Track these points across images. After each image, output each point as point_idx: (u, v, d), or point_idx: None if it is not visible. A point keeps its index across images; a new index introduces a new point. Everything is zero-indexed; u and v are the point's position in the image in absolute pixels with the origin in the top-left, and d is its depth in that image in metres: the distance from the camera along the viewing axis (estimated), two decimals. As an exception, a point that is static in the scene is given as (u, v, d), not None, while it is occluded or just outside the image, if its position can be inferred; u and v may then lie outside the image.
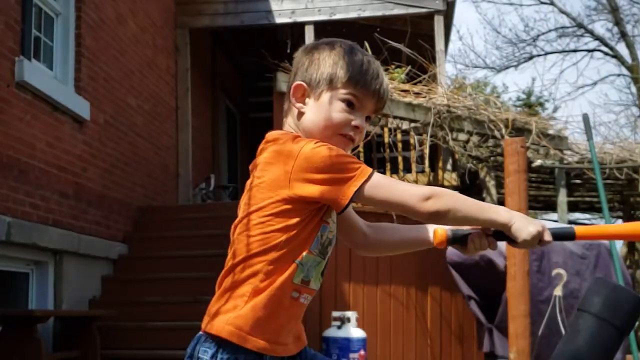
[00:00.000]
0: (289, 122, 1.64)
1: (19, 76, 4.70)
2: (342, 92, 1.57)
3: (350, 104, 1.57)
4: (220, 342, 1.49)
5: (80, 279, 5.51)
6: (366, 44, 7.19)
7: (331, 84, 1.58)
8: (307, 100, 1.60)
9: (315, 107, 1.58)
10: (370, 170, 1.50)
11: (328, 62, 1.59)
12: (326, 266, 1.63)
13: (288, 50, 8.40)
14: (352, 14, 8.41)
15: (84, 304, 5.55)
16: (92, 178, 5.76)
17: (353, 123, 1.57)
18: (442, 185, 7.41)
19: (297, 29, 8.54)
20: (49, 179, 5.08)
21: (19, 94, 4.75)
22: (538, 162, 6.58)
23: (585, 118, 3.83)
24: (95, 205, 5.79)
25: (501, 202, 7.80)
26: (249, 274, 1.51)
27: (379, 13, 8.40)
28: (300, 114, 1.60)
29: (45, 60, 5.46)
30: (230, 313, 1.50)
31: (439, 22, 8.27)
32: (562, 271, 4.56)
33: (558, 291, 4.49)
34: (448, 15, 8.62)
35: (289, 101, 1.63)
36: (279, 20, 8.35)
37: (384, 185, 1.49)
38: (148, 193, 6.95)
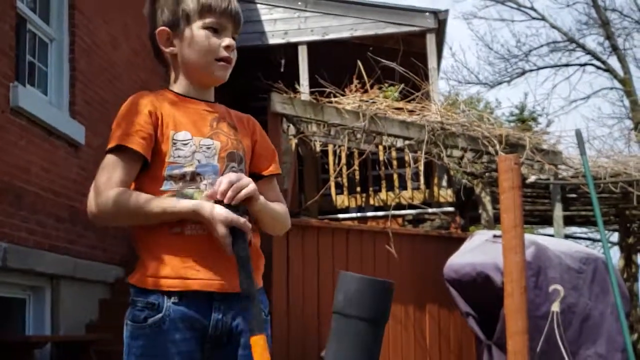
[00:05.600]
0: (172, 76, 1.78)
1: (14, 102, 4.72)
2: (201, 23, 1.70)
3: (213, 30, 1.72)
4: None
5: (77, 303, 5.49)
6: (359, 63, 7.26)
7: (189, 18, 1.71)
8: (174, 42, 1.73)
9: (185, 45, 1.72)
10: (114, 146, 1.63)
11: (176, 3, 1.73)
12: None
13: (282, 70, 8.46)
14: (345, 34, 8.48)
15: (81, 328, 5.52)
16: (88, 202, 5.76)
17: (223, 44, 1.71)
18: (438, 202, 7.42)
19: (290, 49, 8.60)
20: (45, 203, 5.08)
21: (13, 120, 4.76)
22: (532, 178, 6.60)
23: (578, 133, 3.85)
24: (91, 229, 5.79)
25: (497, 217, 7.81)
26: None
27: (371, 32, 8.48)
28: (175, 56, 1.74)
29: (39, 85, 5.48)
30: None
31: (431, 40, 8.35)
32: (559, 287, 4.56)
33: (555, 307, 4.49)
34: (440, 33, 8.70)
35: (161, 53, 1.76)
36: (272, 41, 8.42)
37: (100, 169, 1.65)
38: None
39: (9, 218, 4.61)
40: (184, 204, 1.60)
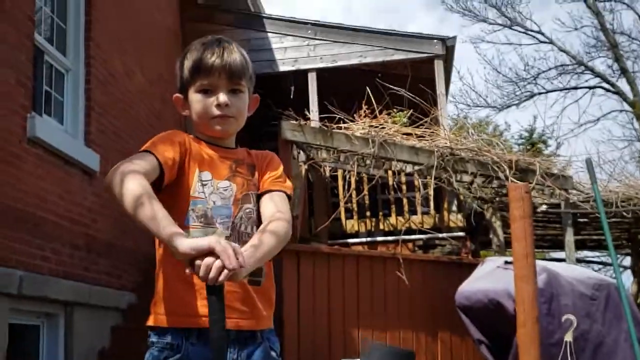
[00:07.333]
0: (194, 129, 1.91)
1: (31, 132, 4.79)
2: (193, 88, 1.82)
3: (204, 92, 1.81)
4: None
5: (91, 329, 5.52)
6: (368, 89, 7.34)
7: (187, 86, 1.83)
8: (186, 105, 1.86)
9: (190, 108, 1.85)
10: (141, 150, 1.72)
11: (178, 70, 1.87)
12: (239, 231, 1.76)
13: (291, 97, 8.55)
14: (354, 61, 8.57)
15: (93, 355, 5.54)
16: (102, 229, 5.82)
17: (215, 103, 1.79)
18: (448, 227, 7.44)
19: (300, 76, 8.69)
20: (60, 231, 5.14)
21: (30, 149, 4.83)
22: (543, 208, 6.62)
23: (589, 162, 3.89)
24: (106, 256, 5.84)
25: (508, 242, 7.81)
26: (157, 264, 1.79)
27: (380, 59, 8.56)
28: (189, 118, 1.88)
29: (55, 114, 5.57)
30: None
31: (439, 66, 8.42)
32: (572, 317, 4.56)
33: (569, 337, 4.49)
34: (448, 59, 8.77)
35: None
36: (282, 68, 8.52)
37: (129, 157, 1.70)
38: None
39: (26, 246, 4.67)
40: (169, 234, 1.53)
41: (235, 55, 1.81)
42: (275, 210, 1.76)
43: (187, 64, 1.82)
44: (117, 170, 1.62)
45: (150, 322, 1.76)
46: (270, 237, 1.65)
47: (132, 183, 1.57)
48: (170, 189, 1.73)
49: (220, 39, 1.84)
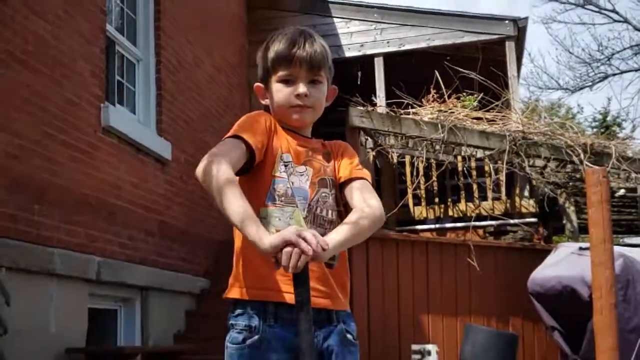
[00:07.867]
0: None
1: (105, 121, 4.94)
2: (275, 78, 1.85)
3: (284, 82, 1.84)
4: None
5: (166, 314, 5.67)
6: (436, 73, 7.21)
7: (268, 75, 1.87)
8: (267, 94, 1.90)
9: (270, 97, 1.89)
10: (232, 135, 1.74)
11: (260, 60, 1.91)
12: (315, 214, 1.80)
13: (358, 82, 8.50)
14: (422, 44, 8.44)
15: (168, 339, 5.70)
16: (176, 216, 5.96)
17: (295, 93, 1.83)
18: (520, 213, 7.28)
19: (366, 61, 8.63)
20: (135, 218, 5.29)
21: (105, 139, 4.99)
22: (621, 192, 6.38)
23: (669, 144, 3.73)
24: (179, 242, 5.98)
25: (582, 227, 7.57)
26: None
27: (449, 42, 8.41)
28: (269, 107, 1.92)
29: (128, 104, 5.72)
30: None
31: (510, 48, 8.20)
32: (651, 304, 4.40)
33: (648, 324, 4.33)
34: (519, 41, 8.54)
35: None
36: (348, 54, 8.47)
37: (219, 144, 1.74)
38: (228, 228, 7.09)
39: (103, 233, 4.83)
40: (254, 235, 1.58)
41: (316, 46, 1.84)
42: (365, 204, 1.80)
43: (269, 54, 1.85)
44: (209, 171, 1.63)
45: (230, 295, 1.80)
46: (358, 227, 1.71)
47: (229, 193, 1.61)
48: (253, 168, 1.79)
49: (303, 30, 1.88)
